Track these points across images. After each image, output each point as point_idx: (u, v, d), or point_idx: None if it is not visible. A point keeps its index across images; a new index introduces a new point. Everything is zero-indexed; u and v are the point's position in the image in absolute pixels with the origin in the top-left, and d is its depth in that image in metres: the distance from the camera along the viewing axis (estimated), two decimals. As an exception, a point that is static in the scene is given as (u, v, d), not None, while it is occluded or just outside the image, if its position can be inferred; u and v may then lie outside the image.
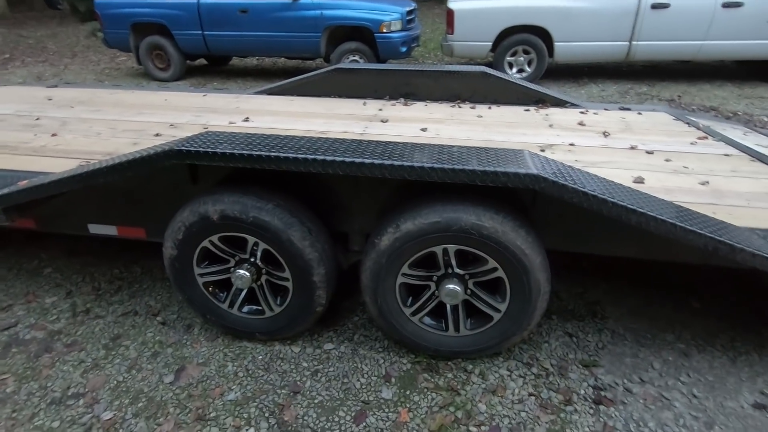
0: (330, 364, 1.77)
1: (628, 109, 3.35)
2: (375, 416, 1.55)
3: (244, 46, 6.74)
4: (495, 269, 1.55)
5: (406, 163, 1.41)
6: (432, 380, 1.68)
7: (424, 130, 2.73)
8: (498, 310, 1.62)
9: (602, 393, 1.59)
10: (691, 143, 2.61)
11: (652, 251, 1.64)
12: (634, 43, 5.88)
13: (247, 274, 1.71)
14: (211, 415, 1.57)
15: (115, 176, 1.64)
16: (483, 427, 1.50)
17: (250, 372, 1.74)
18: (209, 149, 1.51)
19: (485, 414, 1.55)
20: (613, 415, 1.51)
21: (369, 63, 3.61)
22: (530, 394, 1.60)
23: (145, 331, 1.96)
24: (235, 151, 1.48)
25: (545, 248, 1.58)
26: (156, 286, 2.26)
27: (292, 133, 2.63)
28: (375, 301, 1.68)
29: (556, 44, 6.03)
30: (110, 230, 2.02)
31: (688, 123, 3.02)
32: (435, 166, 1.39)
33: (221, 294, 1.84)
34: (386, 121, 2.92)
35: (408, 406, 1.58)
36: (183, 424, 1.54)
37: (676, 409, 1.52)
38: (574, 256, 1.76)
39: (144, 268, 2.41)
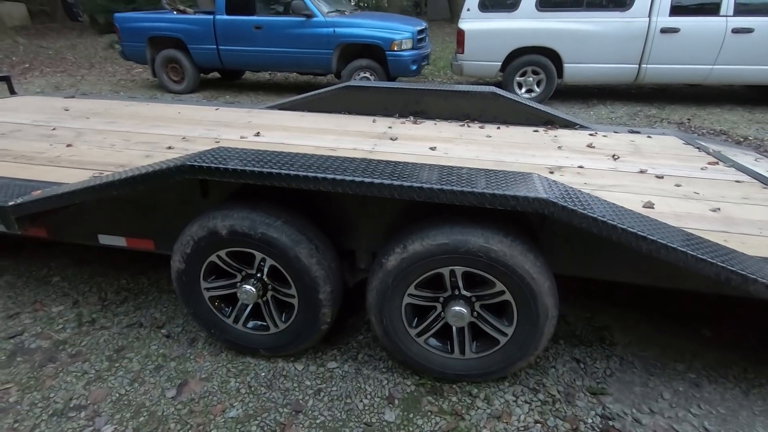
0: (333, 383, 1.75)
1: (638, 132, 3.35)
2: (377, 439, 1.53)
3: (258, 61, 6.86)
4: (502, 292, 1.53)
5: (415, 184, 1.41)
6: (436, 403, 1.66)
7: (433, 149, 2.74)
8: (504, 334, 1.60)
9: (610, 423, 1.55)
10: (702, 168, 2.59)
11: (662, 279, 1.62)
12: (643, 66, 5.90)
13: (253, 289, 1.71)
14: (212, 432, 1.56)
15: (126, 189, 1.66)
16: (487, 455, 1.47)
17: (253, 389, 1.72)
18: (221, 165, 1.52)
19: (490, 440, 1.52)
20: (621, 447, 1.48)
21: (379, 81, 3.65)
22: (536, 422, 1.57)
23: (149, 344, 1.96)
24: (246, 168, 1.49)
25: (553, 272, 1.57)
26: (162, 298, 2.27)
27: (302, 149, 2.65)
28: (380, 321, 1.67)
29: (566, 65, 6.07)
30: (119, 241, 2.04)
31: (698, 148, 3.01)
32: (444, 188, 1.39)
33: (226, 308, 1.84)
34: (395, 139, 2.94)
35: (411, 429, 1.56)
36: (183, 441, 1.52)
37: (687, 444, 1.48)
38: (582, 280, 1.75)
39: (151, 280, 2.42)
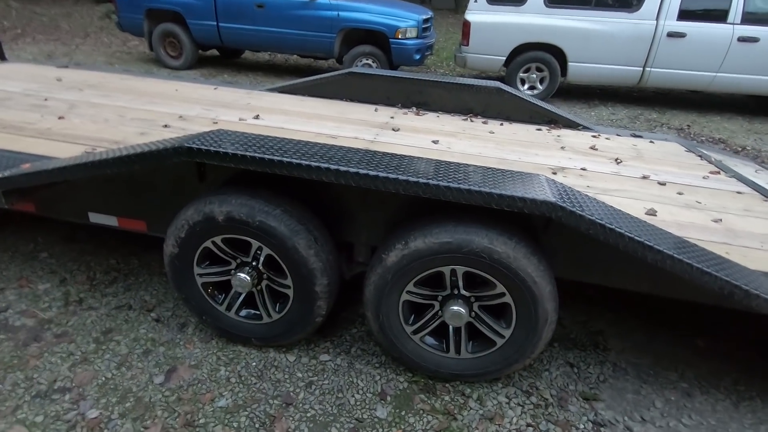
0: (325, 376, 1.73)
1: (640, 137, 3.33)
2: (368, 435, 1.51)
3: (258, 41, 6.72)
4: (503, 294, 1.51)
5: (421, 180, 1.37)
6: (428, 402, 1.64)
7: (435, 142, 2.70)
8: (502, 336, 1.59)
9: (602, 429, 1.55)
10: (704, 177, 2.58)
11: (665, 288, 1.60)
12: (647, 69, 5.87)
13: (248, 278, 1.67)
14: (200, 421, 1.52)
15: (121, 168, 1.60)
16: (478, 456, 1.46)
17: (243, 378, 1.70)
18: (220, 149, 1.47)
19: (481, 442, 1.51)
20: (612, 454, 1.48)
21: (382, 69, 3.58)
22: (528, 425, 1.56)
23: (138, 327, 1.91)
24: (247, 154, 1.44)
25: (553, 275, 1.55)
26: (152, 281, 2.22)
27: (301, 135, 2.59)
28: (377, 316, 1.64)
29: (570, 64, 6.02)
30: (111, 220, 1.98)
31: (700, 156, 3.00)
32: (451, 185, 1.36)
33: (219, 296, 1.80)
34: (398, 129, 2.89)
35: (402, 427, 1.54)
36: (171, 429, 1.49)
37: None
38: (580, 283, 1.74)
39: (141, 261, 2.37)
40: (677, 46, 5.67)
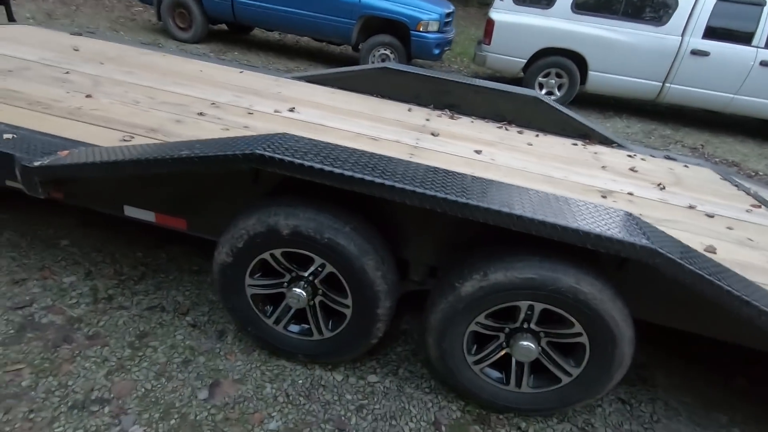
0: (375, 399, 1.66)
1: (675, 160, 3.29)
2: (426, 468, 1.45)
3: (273, 19, 6.47)
4: (579, 334, 1.45)
5: (516, 212, 1.29)
6: (484, 434, 1.59)
7: (478, 152, 2.61)
8: (569, 374, 1.54)
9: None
10: (747, 210, 2.56)
11: (739, 336, 1.57)
12: (667, 84, 5.86)
13: (304, 294, 1.58)
14: (251, 444, 1.44)
15: (179, 168, 1.48)
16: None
17: (291, 398, 1.61)
18: (297, 160, 1.36)
19: (540, 481, 1.47)
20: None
21: (416, 67, 3.47)
22: (590, 468, 1.52)
23: (174, 332, 1.81)
24: (333, 170, 1.33)
25: None
26: (183, 279, 2.10)
27: (341, 134, 2.48)
28: (439, 344, 1.57)
29: (591, 73, 5.97)
30: (148, 216, 1.85)
31: (736, 186, 2.98)
32: (547, 220, 1.28)
33: (268, 308, 1.70)
34: (437, 135, 2.79)
35: (460, 461, 1.49)
36: (220, 452, 1.41)
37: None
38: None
39: (169, 255, 2.25)
40: (699, 65, 5.66)
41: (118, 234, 2.33)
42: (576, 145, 3.18)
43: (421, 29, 6.06)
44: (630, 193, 2.43)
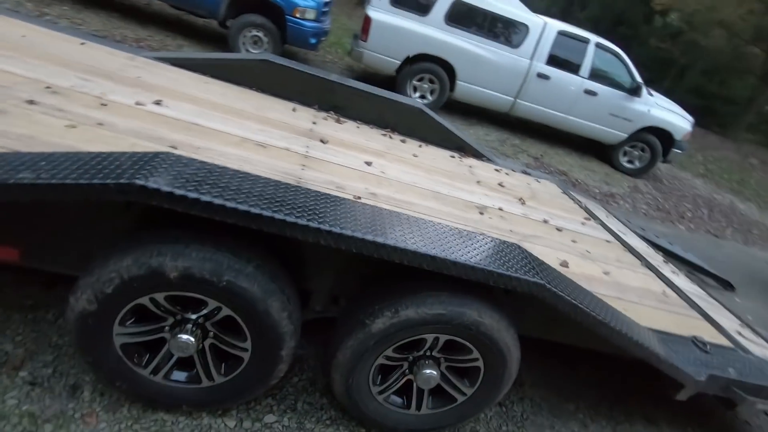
0: (274, 442, 1.54)
1: (529, 174, 3.78)
2: None
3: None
4: (476, 359, 1.56)
5: (431, 253, 1.31)
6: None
7: (369, 164, 2.60)
8: (464, 394, 1.64)
9: (534, 471, 1.75)
10: (582, 223, 3.07)
11: (591, 343, 1.87)
12: (518, 100, 6.69)
13: (192, 340, 1.37)
14: None
15: (15, 197, 1.12)
16: None
17: (174, 458, 1.39)
18: (191, 194, 1.15)
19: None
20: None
21: (301, 64, 3.29)
22: (477, 476, 1.66)
23: (3, 397, 1.40)
24: (239, 207, 1.16)
25: None
26: (11, 319, 1.64)
27: (225, 138, 2.22)
28: (346, 380, 1.52)
29: (458, 82, 6.46)
30: None
31: (572, 199, 3.55)
32: (458, 261, 1.32)
33: (143, 357, 1.43)
34: (326, 142, 2.70)
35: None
36: None
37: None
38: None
39: (-13, 286, 1.73)
40: (543, 86, 6.58)
41: None
42: (453, 157, 3.40)
43: (297, 15, 5.77)
44: (500, 209, 2.70)
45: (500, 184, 3.16)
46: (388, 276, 1.54)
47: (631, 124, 6.96)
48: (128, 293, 1.26)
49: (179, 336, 1.36)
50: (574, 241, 2.66)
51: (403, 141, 3.32)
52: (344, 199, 1.48)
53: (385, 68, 6.41)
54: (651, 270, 2.67)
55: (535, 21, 6.40)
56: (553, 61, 6.51)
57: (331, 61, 7.58)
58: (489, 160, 3.64)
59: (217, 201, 1.16)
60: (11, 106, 1.79)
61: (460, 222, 2.27)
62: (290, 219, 1.20)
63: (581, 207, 3.41)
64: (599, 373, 2.39)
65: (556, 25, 6.52)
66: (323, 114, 3.23)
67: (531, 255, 1.60)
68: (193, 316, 1.38)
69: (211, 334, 1.42)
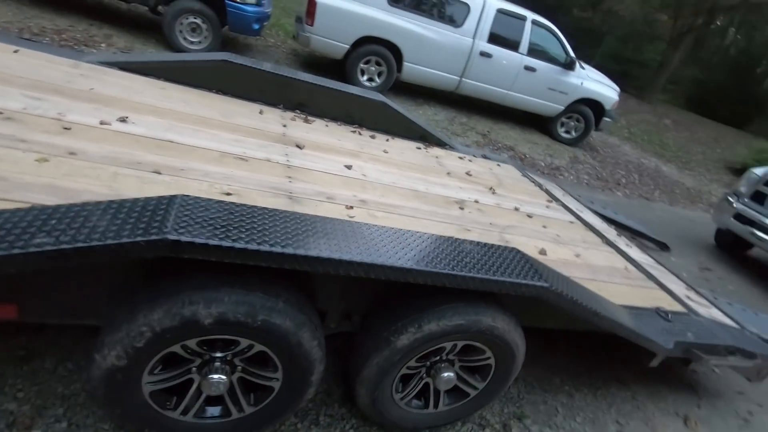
0: (306, 459, 1.60)
1: (489, 158, 3.95)
2: None
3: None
4: (489, 358, 1.69)
5: (454, 272, 1.38)
6: (410, 458, 1.73)
7: (348, 167, 2.62)
8: (476, 388, 1.78)
9: (538, 444, 1.95)
10: (547, 206, 3.30)
11: (577, 326, 2.07)
12: (463, 79, 6.85)
13: (224, 378, 1.37)
14: None
15: (30, 266, 1.05)
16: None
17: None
18: (226, 242, 1.13)
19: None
20: (550, 465, 1.89)
21: (264, 63, 3.16)
22: (492, 457, 1.83)
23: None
24: (273, 250, 1.16)
25: None
26: (8, 375, 1.53)
27: (203, 154, 2.14)
28: (372, 393, 1.60)
29: (405, 63, 6.48)
30: None
31: (532, 181, 3.78)
32: (477, 276, 1.42)
33: (171, 401, 1.41)
34: (302, 147, 2.67)
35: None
36: None
37: (584, 450, 2.01)
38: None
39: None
40: (485, 64, 6.77)
41: None
42: (420, 149, 3.48)
43: (238, 0, 5.46)
44: (476, 201, 2.83)
45: (468, 173, 3.29)
46: (403, 290, 1.61)
47: (567, 96, 7.40)
48: (160, 344, 1.24)
49: (210, 376, 1.36)
50: (544, 227, 2.87)
51: (372, 137, 3.35)
52: (358, 223, 1.51)
53: (333, 53, 6.27)
54: (611, 247, 2.95)
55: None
56: (494, 39, 6.70)
57: (273, 45, 7.27)
58: (451, 147, 3.76)
59: (252, 246, 1.16)
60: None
61: (446, 221, 2.38)
62: (326, 255, 1.22)
63: (542, 189, 3.64)
64: (576, 347, 2.65)
65: (495, 3, 6.68)
66: (290, 114, 3.16)
67: (529, 257, 1.73)
68: (221, 355, 1.38)
69: (240, 368, 1.43)
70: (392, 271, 1.31)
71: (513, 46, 6.85)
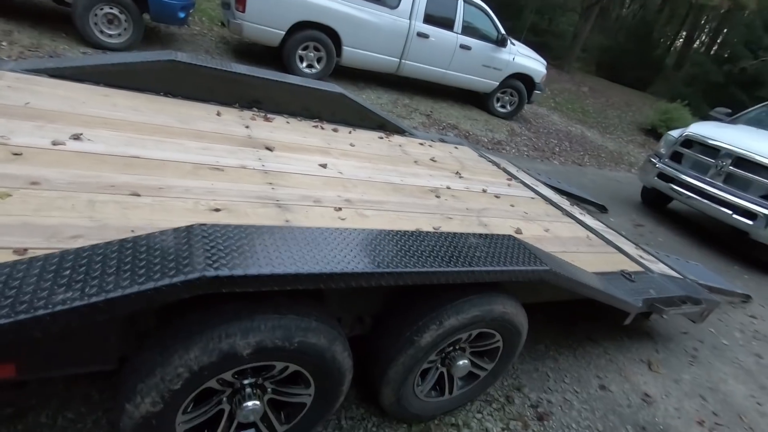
0: (336, 465, 1.62)
1: (445, 141, 4.06)
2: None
3: None
4: (498, 341, 1.80)
5: (463, 270, 1.44)
6: (432, 443, 1.81)
7: (323, 166, 2.59)
8: (485, 370, 1.89)
9: (539, 410, 2.12)
10: (508, 185, 3.47)
11: (563, 298, 2.24)
12: (403, 60, 6.87)
13: (259, 404, 1.35)
14: None
15: (62, 323, 0.96)
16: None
17: None
18: (265, 270, 1.10)
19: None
20: (553, 426, 2.07)
21: (214, 61, 2.95)
22: (503, 429, 1.97)
23: None
24: (313, 272, 1.14)
25: None
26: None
27: (173, 168, 2.02)
28: (397, 391, 1.65)
29: (344, 48, 6.36)
30: None
31: (489, 161, 3.95)
32: (494, 269, 1.49)
33: (202, 433, 1.37)
34: (272, 149, 2.59)
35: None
36: None
37: (576, 407, 2.22)
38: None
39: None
40: (423, 45, 6.83)
41: None
42: (382, 138, 3.50)
43: (159, -13, 5.01)
44: (448, 188, 2.92)
45: (432, 160, 3.37)
46: (415, 289, 1.65)
47: (500, 72, 7.70)
48: (196, 382, 1.18)
49: (245, 404, 1.33)
50: (512, 206, 3.03)
51: (335, 130, 3.31)
52: (371, 230, 1.51)
53: (268, 40, 5.99)
54: (570, 217, 3.19)
55: (407, -21, 6.51)
56: (430, 19, 6.77)
57: (199, 33, 6.79)
58: (410, 134, 3.81)
59: (291, 270, 1.13)
60: None
61: (428, 211, 2.44)
62: (370, 270, 1.23)
63: (500, 168, 3.82)
64: (550, 315, 2.87)
65: (427, -18, 6.71)
66: (248, 113, 3.03)
67: (523, 242, 1.84)
68: (252, 380, 1.35)
69: (270, 390, 1.41)
70: (420, 276, 1.34)
71: (448, 25, 6.96)
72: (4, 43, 4.50)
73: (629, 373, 2.57)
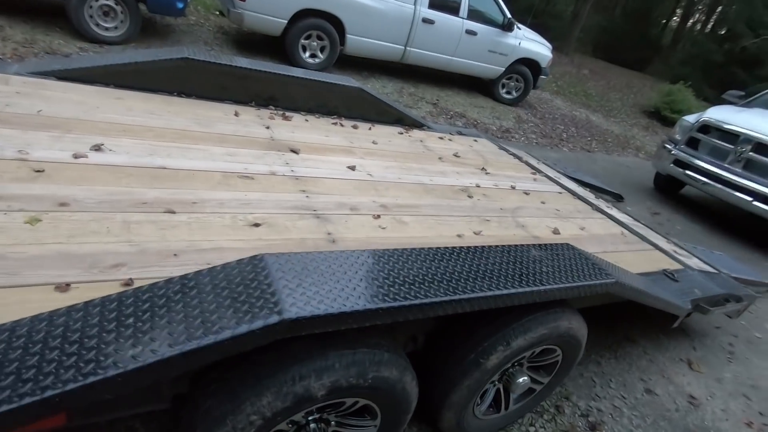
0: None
1: (463, 134, 3.93)
2: None
3: None
4: (558, 355, 1.72)
5: (532, 290, 1.34)
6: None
7: (352, 168, 2.47)
8: (542, 383, 1.81)
9: (590, 419, 2.06)
10: (534, 180, 3.37)
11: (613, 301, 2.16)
12: (408, 48, 6.68)
13: (327, 439, 1.26)
14: None
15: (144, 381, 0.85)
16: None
17: None
18: (347, 307, 0.99)
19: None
20: (606, 436, 2.01)
21: (227, 57, 2.79)
22: (558, 442, 1.90)
23: None
24: (398, 304, 1.04)
25: None
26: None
27: (203, 178, 1.89)
28: (460, 414, 1.56)
29: (348, 36, 6.16)
30: None
31: (511, 154, 3.83)
32: (563, 286, 1.40)
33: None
34: (298, 152, 2.46)
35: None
36: None
37: (626, 414, 2.16)
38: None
39: None
40: (429, 31, 6.63)
41: None
42: (402, 134, 3.37)
43: (155, -24, 4.78)
44: (478, 186, 2.81)
45: (456, 155, 3.26)
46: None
47: (506, 58, 7.52)
48: (269, 427, 1.08)
49: (315, 441, 1.23)
50: (543, 203, 2.92)
51: (354, 127, 3.18)
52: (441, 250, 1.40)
53: (270, 29, 5.77)
54: (600, 212, 3.10)
55: (411, -37, 6.28)
56: (435, 4, 6.56)
57: (197, 23, 6.53)
58: (428, 128, 3.68)
59: (372, 306, 1.03)
60: None
61: (464, 213, 2.34)
62: (456, 297, 1.13)
63: (522, 161, 3.71)
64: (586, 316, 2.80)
65: (431, -34, 6.49)
66: (266, 112, 2.90)
67: (581, 251, 1.75)
68: (317, 416, 1.26)
69: (333, 422, 1.32)
70: (497, 299, 1.25)
71: (453, 10, 6.75)
72: (-4, 40, 4.27)
73: (672, 374, 2.52)
